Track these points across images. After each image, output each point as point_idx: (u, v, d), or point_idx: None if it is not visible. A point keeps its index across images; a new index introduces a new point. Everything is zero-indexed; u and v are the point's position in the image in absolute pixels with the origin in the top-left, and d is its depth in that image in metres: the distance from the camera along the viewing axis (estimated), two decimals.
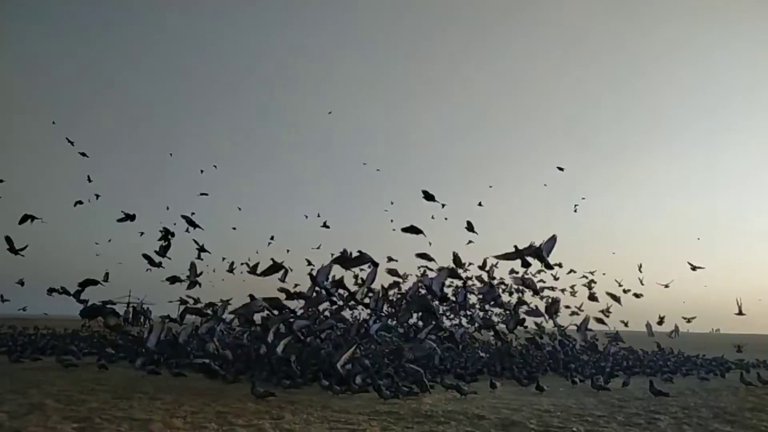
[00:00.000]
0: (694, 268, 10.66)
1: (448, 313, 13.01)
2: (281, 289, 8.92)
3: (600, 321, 9.70)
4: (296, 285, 9.31)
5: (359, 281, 10.86)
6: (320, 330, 8.86)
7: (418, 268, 12.20)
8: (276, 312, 8.01)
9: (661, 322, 11.94)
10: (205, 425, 4.68)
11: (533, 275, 11.76)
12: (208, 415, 5.12)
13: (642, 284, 12.93)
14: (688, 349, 17.96)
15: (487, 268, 11.36)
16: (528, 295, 11.85)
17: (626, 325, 13.43)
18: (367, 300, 9.06)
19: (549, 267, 7.44)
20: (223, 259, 13.43)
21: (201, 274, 8.67)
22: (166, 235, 8.62)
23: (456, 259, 9.14)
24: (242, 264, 12.48)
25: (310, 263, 12.77)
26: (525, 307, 9.69)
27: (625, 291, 12.44)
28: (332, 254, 8.97)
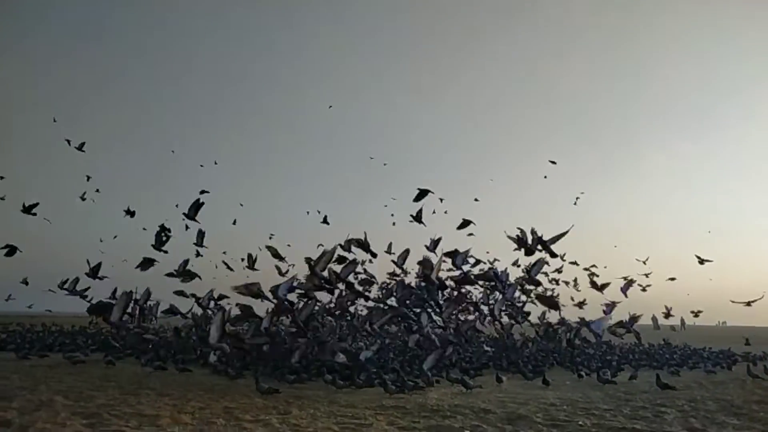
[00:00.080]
0: (702, 261, 10.54)
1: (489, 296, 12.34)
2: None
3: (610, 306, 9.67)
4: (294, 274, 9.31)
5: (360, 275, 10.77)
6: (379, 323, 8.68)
7: (418, 263, 12.11)
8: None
9: (667, 315, 11.89)
10: (213, 420, 4.70)
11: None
12: (215, 411, 5.15)
13: (647, 277, 12.88)
14: (694, 341, 17.92)
15: (491, 264, 11.34)
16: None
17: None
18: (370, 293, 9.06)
19: (553, 255, 7.49)
20: (224, 252, 13.45)
21: (187, 265, 8.64)
22: (162, 231, 8.66)
23: (425, 262, 8.99)
24: (242, 260, 12.49)
25: (309, 261, 12.75)
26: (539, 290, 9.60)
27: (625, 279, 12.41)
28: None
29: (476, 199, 13.67)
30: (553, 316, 12.80)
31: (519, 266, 11.51)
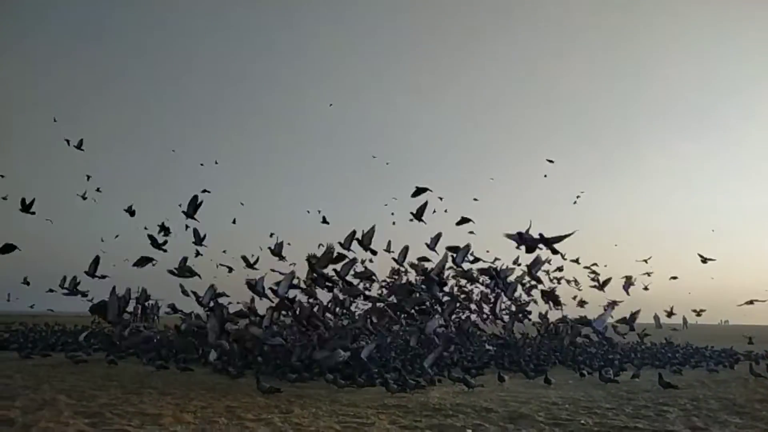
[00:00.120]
0: (704, 260, 10.50)
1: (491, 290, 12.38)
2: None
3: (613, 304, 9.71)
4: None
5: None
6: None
7: (418, 259, 12.14)
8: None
9: (670, 314, 11.87)
10: (215, 420, 4.71)
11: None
12: (217, 410, 5.16)
13: (649, 276, 12.88)
14: (696, 340, 17.89)
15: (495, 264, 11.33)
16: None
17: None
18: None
19: (555, 252, 7.51)
20: (224, 252, 13.48)
21: (186, 262, 8.66)
22: (161, 230, 8.69)
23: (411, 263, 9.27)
24: (242, 257, 12.49)
25: (309, 258, 12.78)
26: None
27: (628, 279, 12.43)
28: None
29: (475, 199, 13.73)
30: (553, 315, 12.84)
31: (519, 264, 11.53)
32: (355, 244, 8.27)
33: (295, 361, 7.77)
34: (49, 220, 8.34)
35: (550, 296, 9.09)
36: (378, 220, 8.38)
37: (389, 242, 10.70)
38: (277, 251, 8.76)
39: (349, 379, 7.23)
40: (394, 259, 10.06)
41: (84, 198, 11.29)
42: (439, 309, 8.92)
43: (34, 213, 8.66)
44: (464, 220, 9.16)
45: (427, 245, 9.36)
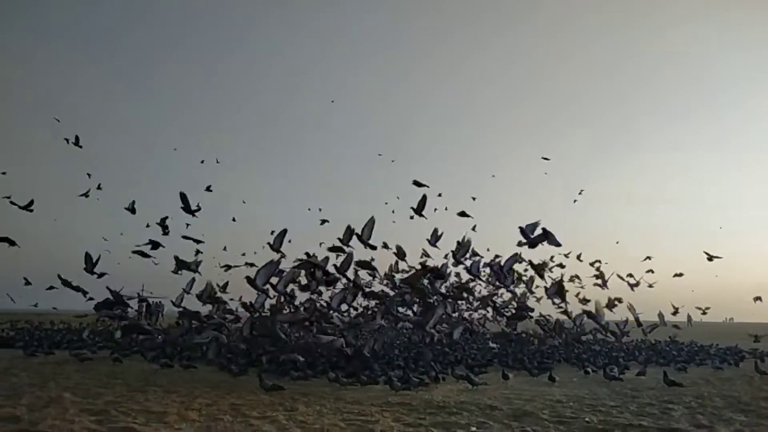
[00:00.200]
0: (710, 258, 10.45)
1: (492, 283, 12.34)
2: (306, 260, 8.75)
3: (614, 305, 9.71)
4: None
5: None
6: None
7: (421, 256, 12.18)
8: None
9: (675, 312, 11.85)
10: (220, 417, 4.72)
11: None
12: (222, 408, 5.18)
13: (652, 273, 12.88)
14: (701, 338, 17.82)
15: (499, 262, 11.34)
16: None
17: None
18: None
19: (557, 245, 7.61)
20: (225, 248, 13.55)
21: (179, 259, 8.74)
22: (160, 226, 8.76)
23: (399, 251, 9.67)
24: (242, 255, 12.53)
25: (309, 256, 12.86)
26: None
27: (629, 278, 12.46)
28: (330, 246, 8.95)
29: (473, 198, 13.87)
30: (554, 315, 12.82)
31: (521, 262, 11.52)
32: (355, 243, 8.33)
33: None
34: (54, 219, 8.51)
35: (557, 288, 8.95)
36: (379, 217, 8.36)
37: (384, 242, 10.81)
38: (276, 246, 8.75)
39: (351, 377, 7.24)
40: (394, 253, 10.13)
41: (86, 196, 11.33)
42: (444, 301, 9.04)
43: (32, 210, 8.74)
44: (463, 214, 9.27)
45: (428, 241, 9.41)
